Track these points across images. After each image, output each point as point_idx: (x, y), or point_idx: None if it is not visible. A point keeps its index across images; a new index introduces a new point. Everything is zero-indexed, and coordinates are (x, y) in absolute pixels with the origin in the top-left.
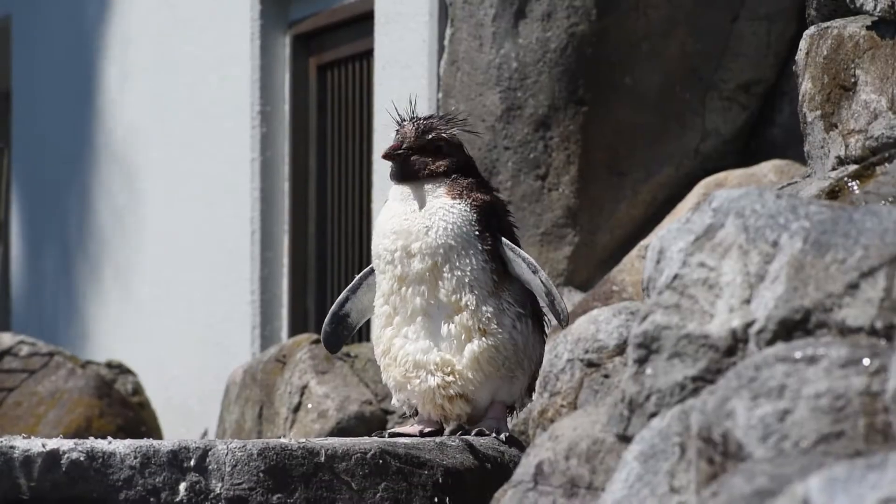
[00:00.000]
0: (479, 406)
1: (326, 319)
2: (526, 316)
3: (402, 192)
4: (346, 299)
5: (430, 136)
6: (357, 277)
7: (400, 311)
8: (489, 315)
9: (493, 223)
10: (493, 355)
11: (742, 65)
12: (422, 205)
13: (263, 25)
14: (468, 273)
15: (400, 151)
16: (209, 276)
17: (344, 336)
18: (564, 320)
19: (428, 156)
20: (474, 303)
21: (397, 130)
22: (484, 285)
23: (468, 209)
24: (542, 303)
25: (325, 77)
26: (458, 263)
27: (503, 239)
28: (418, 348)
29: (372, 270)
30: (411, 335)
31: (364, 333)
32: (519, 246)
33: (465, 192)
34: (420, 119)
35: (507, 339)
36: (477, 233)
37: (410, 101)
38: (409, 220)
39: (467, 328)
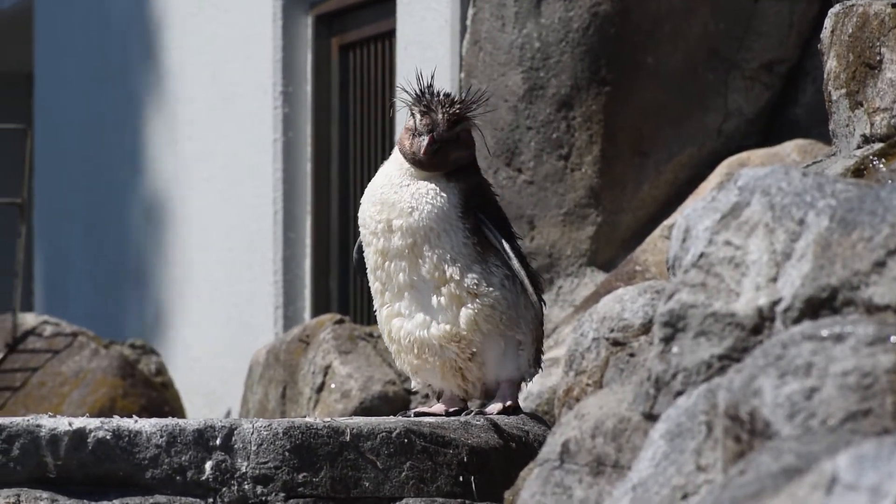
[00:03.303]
0: (490, 371)
1: (356, 247)
2: (513, 278)
3: (403, 162)
4: None
5: (459, 129)
6: None
7: (388, 287)
8: (476, 280)
9: (475, 201)
10: (490, 314)
11: (765, 44)
12: (416, 180)
13: (286, 6)
14: (449, 249)
15: (435, 146)
16: (232, 257)
17: None
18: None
19: (453, 148)
20: (458, 273)
21: (424, 113)
22: (467, 256)
23: (456, 193)
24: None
25: (347, 57)
26: (437, 242)
27: (484, 219)
28: (416, 324)
29: None
30: (405, 311)
31: None
32: (507, 222)
33: (459, 175)
34: (447, 105)
35: (500, 297)
36: (460, 213)
37: (419, 78)
38: (399, 195)
39: (456, 296)
